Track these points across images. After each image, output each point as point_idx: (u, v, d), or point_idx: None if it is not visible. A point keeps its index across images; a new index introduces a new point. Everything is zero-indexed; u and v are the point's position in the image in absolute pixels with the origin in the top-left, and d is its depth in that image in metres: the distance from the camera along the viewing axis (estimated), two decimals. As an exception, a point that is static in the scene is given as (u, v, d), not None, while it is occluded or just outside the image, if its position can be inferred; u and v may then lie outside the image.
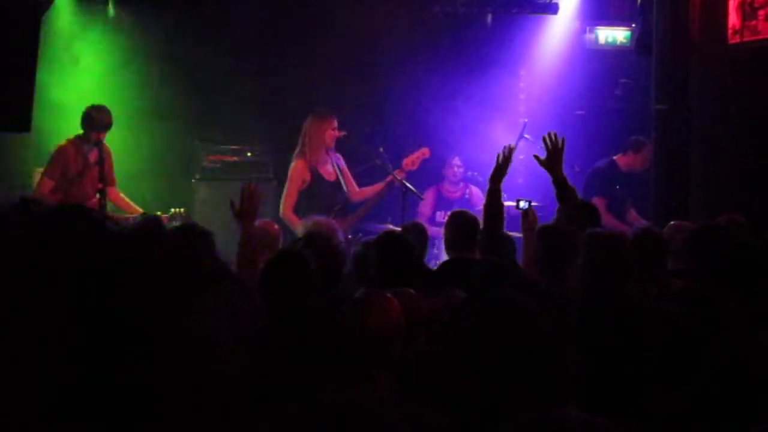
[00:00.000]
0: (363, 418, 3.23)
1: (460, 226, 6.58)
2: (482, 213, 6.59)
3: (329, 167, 9.15)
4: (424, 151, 9.29)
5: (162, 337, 0.98)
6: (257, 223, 7.16)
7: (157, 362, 0.98)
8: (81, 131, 8.70)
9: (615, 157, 9.92)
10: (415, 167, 9.19)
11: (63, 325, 0.95)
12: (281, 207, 9.00)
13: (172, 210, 8.90)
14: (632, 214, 9.67)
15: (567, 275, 5.47)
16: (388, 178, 9.07)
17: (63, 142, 8.74)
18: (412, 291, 4.27)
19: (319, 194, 9.03)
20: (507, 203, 9.81)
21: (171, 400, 0.99)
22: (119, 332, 0.97)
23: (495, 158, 6.64)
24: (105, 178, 8.65)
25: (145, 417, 0.97)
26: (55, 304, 0.95)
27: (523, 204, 7.00)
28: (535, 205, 9.62)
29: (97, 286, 0.97)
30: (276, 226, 7.26)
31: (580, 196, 8.12)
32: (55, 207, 1.04)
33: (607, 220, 9.45)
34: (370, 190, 9.27)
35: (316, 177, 9.04)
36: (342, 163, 9.26)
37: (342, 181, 9.18)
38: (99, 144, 8.64)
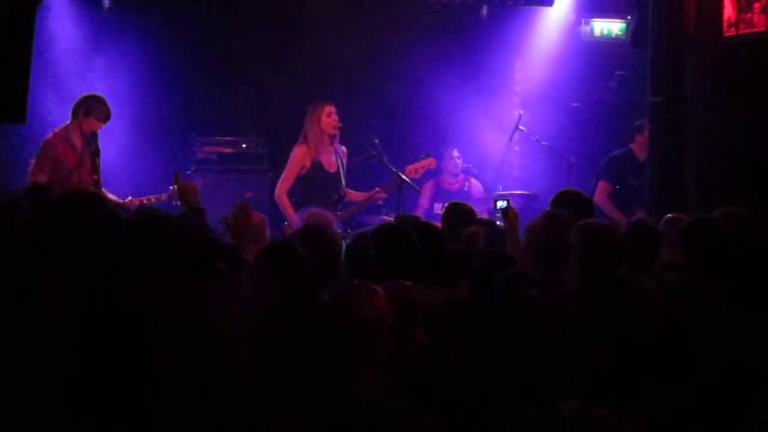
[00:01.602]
0: (349, 408, 3.24)
1: (456, 217, 6.59)
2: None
3: (332, 158, 9.15)
4: (431, 162, 9.42)
5: (174, 324, 0.98)
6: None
7: (169, 349, 0.98)
8: (73, 120, 8.60)
9: (631, 146, 9.88)
10: (418, 175, 9.30)
11: (72, 313, 0.95)
12: (277, 189, 9.05)
13: (150, 197, 8.84)
14: (640, 213, 9.62)
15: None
16: (372, 192, 9.10)
17: (49, 134, 8.63)
18: (408, 283, 4.25)
19: (316, 183, 9.03)
20: (499, 194, 9.87)
21: (180, 387, 0.99)
22: (131, 320, 0.97)
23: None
24: (98, 170, 8.56)
25: (153, 405, 0.97)
26: (65, 291, 0.95)
27: (500, 204, 6.96)
28: (527, 194, 9.69)
29: (107, 273, 0.97)
30: (261, 216, 7.26)
31: (582, 186, 8.12)
32: (66, 194, 1.04)
33: (606, 207, 9.45)
34: (355, 196, 9.28)
35: (316, 165, 9.05)
36: (345, 159, 9.27)
37: (342, 175, 9.18)
38: (94, 135, 8.56)
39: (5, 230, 0.93)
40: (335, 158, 9.15)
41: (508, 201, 7.05)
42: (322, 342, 3.53)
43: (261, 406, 2.99)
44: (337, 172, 9.15)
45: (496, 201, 7.40)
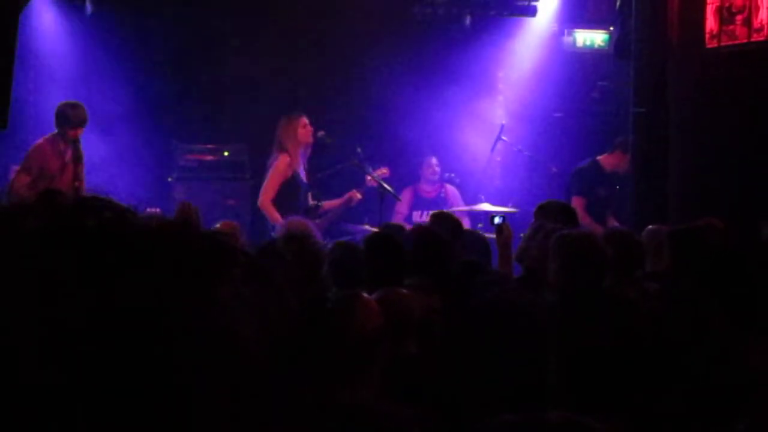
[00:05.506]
0: (345, 418, 3.21)
1: (442, 227, 6.54)
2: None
3: (302, 170, 9.17)
4: (383, 171, 9.51)
5: (191, 330, 0.96)
6: (217, 225, 7.14)
7: (188, 355, 0.96)
8: (56, 128, 8.64)
9: (599, 158, 9.85)
10: (375, 184, 9.34)
11: (86, 321, 0.93)
12: (261, 197, 8.96)
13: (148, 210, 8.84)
14: (611, 221, 9.61)
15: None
16: (346, 196, 9.13)
17: (40, 140, 8.68)
18: (404, 291, 4.20)
19: (293, 194, 9.01)
20: (483, 207, 9.87)
21: (197, 398, 0.97)
22: (147, 326, 0.94)
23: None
24: (80, 176, 8.58)
25: (169, 414, 0.94)
26: (77, 298, 0.93)
27: (497, 219, 6.92)
28: (510, 212, 9.66)
29: (123, 278, 0.94)
30: (235, 224, 7.23)
31: (563, 197, 8.11)
32: (78, 198, 1.02)
33: (585, 220, 9.44)
34: (330, 204, 9.30)
35: (296, 175, 9.04)
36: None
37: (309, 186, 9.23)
38: (75, 142, 8.56)
39: (19, 237, 0.91)
40: (304, 171, 9.18)
41: (504, 218, 7.02)
42: (323, 352, 3.46)
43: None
44: (308, 183, 9.18)
45: (492, 216, 7.38)
